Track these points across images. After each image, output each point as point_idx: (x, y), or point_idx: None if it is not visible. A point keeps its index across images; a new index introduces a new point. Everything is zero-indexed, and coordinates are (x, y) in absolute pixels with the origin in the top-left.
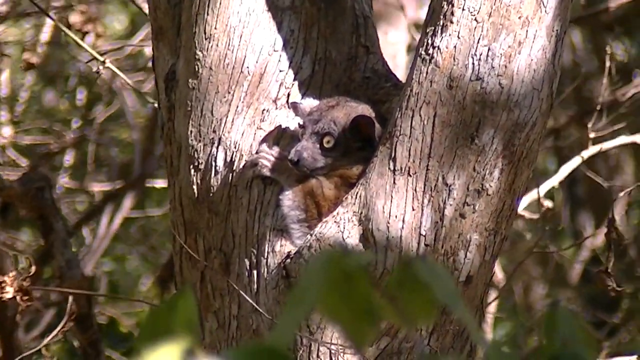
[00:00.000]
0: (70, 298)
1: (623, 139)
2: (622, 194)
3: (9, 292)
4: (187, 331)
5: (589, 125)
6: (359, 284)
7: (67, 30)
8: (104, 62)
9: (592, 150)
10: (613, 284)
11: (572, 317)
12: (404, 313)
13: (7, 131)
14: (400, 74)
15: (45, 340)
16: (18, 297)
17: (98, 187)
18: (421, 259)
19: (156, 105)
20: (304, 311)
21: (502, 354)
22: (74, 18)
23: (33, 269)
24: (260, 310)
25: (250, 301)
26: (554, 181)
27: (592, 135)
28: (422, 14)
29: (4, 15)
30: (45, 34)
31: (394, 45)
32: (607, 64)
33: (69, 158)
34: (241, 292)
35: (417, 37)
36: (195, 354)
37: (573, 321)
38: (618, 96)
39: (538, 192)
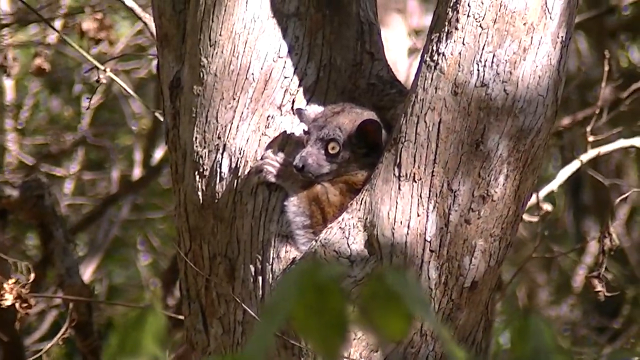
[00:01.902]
0: (71, 305)
1: (622, 143)
2: (619, 199)
3: (8, 300)
4: (156, 345)
5: (588, 129)
6: (331, 296)
7: (69, 40)
8: (105, 70)
9: (590, 154)
10: (603, 289)
11: (544, 325)
12: (377, 326)
13: (12, 137)
14: (401, 79)
15: (46, 348)
16: (17, 305)
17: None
18: (393, 271)
19: (156, 112)
20: (276, 324)
21: None
22: (87, 25)
23: (32, 276)
24: (257, 318)
25: (249, 311)
26: (553, 185)
27: (591, 139)
28: (424, 21)
29: (11, 22)
30: (52, 37)
31: (393, 50)
32: (606, 68)
33: (74, 165)
34: (242, 304)
35: (416, 41)
36: None
37: (545, 330)
38: (619, 100)
39: (537, 196)
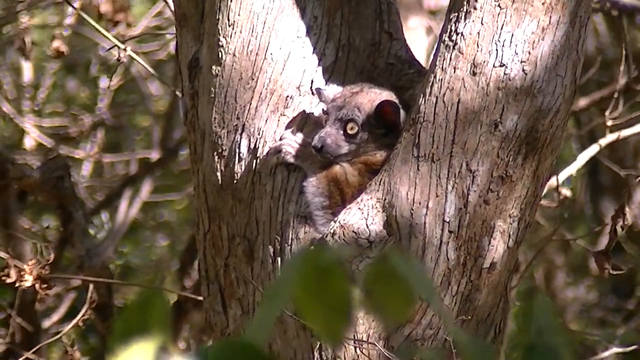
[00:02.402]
0: (91, 287)
1: None
2: (638, 179)
3: (28, 280)
4: (160, 329)
5: (607, 113)
6: (334, 279)
7: (88, 19)
8: (125, 50)
9: (609, 138)
10: (609, 267)
11: (548, 307)
12: (381, 307)
13: (30, 118)
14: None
15: (66, 329)
16: (37, 285)
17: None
18: (397, 253)
19: (177, 91)
20: (279, 307)
21: (477, 348)
22: (105, 7)
23: (52, 257)
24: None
25: (261, 290)
26: (572, 169)
27: (609, 123)
28: (441, 2)
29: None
30: (69, 19)
31: (413, 30)
32: (624, 51)
33: (92, 146)
34: (261, 285)
35: (434, 24)
36: (168, 351)
37: (549, 311)
38: (635, 84)
39: (557, 180)
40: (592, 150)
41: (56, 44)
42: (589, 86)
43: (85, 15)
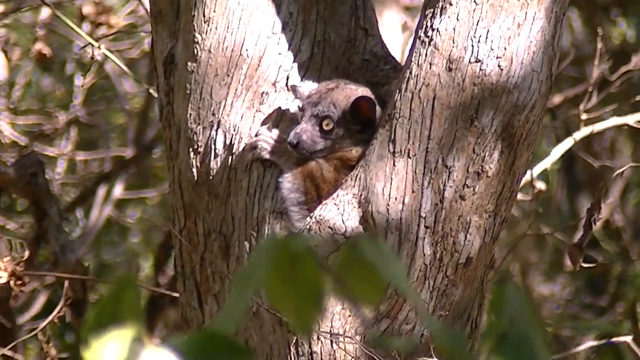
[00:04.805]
0: (66, 283)
1: (615, 120)
2: (615, 174)
3: (3, 277)
4: (133, 320)
5: (581, 107)
6: (305, 267)
7: (62, 16)
8: (99, 48)
9: (584, 131)
10: (580, 261)
11: (520, 294)
12: (351, 294)
13: (4, 116)
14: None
15: (42, 325)
16: (12, 282)
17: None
18: (367, 240)
19: (150, 89)
20: (249, 295)
21: (449, 334)
22: (87, 9)
23: (27, 253)
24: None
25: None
26: (546, 163)
27: (584, 117)
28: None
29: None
30: (44, 17)
31: (387, 26)
32: (599, 45)
33: (66, 144)
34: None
35: (409, 19)
36: (142, 342)
37: (521, 299)
38: (611, 77)
39: (532, 174)
40: (567, 144)
41: (38, 46)
42: (564, 82)
43: (59, 13)
